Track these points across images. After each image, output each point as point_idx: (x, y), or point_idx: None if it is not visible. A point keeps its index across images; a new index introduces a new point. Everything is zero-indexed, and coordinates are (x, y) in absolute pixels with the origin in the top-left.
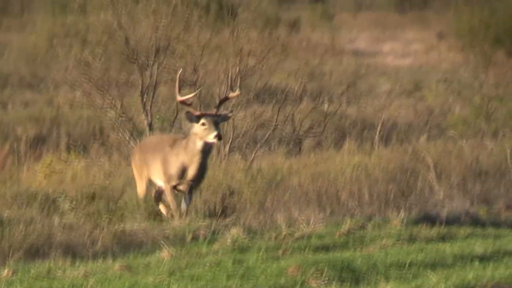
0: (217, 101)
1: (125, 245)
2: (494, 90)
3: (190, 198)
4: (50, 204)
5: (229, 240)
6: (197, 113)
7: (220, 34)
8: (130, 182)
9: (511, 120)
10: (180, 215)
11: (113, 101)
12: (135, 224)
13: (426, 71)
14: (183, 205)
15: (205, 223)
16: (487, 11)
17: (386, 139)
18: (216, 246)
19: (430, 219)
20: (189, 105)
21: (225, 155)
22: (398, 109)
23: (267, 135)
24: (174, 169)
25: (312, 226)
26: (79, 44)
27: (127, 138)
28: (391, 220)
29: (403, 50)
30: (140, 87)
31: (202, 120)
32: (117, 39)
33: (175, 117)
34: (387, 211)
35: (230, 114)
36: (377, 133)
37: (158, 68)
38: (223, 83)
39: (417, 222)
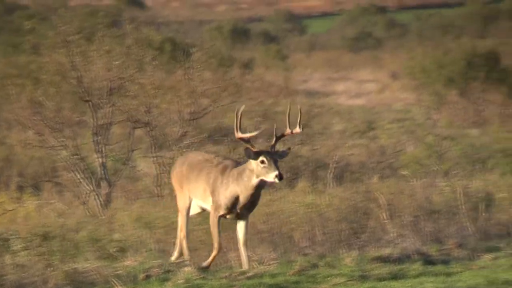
0: (274, 138)
1: (77, 284)
2: (446, 130)
3: (246, 226)
4: (1, 244)
5: (181, 279)
6: (256, 149)
7: (174, 74)
8: (83, 221)
9: (463, 159)
10: (241, 245)
11: (66, 141)
12: (87, 263)
13: (379, 111)
14: (240, 234)
15: (158, 262)
16: (440, 51)
17: (339, 179)
18: (168, 285)
19: (382, 258)
20: (248, 141)
21: None
22: (351, 148)
23: None
24: (223, 199)
25: (264, 265)
26: (31, 84)
27: (79, 178)
28: (343, 259)
29: (357, 90)
30: (93, 127)
31: (262, 158)
32: (70, 79)
33: (129, 157)
34: (339, 250)
35: (288, 151)
36: (330, 172)
37: (111, 108)
38: (176, 123)
39: (369, 261)
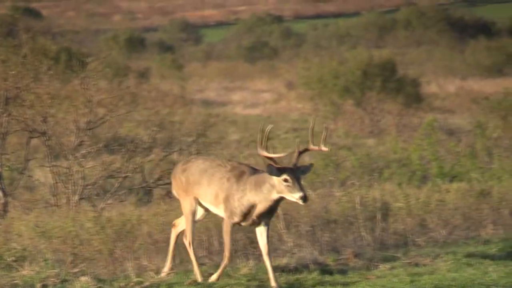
0: (296, 153)
1: None
2: (343, 140)
3: (267, 233)
4: None
5: None
6: (279, 166)
7: (70, 84)
8: None
9: (359, 169)
10: (264, 255)
11: None
12: None
13: (275, 121)
14: (262, 242)
15: (55, 272)
16: (336, 61)
17: None
18: None
19: (279, 268)
20: (271, 158)
21: (74, 204)
22: (249, 158)
23: (117, 185)
24: (239, 206)
25: (161, 275)
26: None
27: None
28: (240, 269)
29: (253, 99)
30: None
31: (285, 176)
32: None
33: (25, 167)
34: (236, 259)
35: (311, 167)
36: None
37: (7, 117)
38: (72, 132)
39: (266, 270)
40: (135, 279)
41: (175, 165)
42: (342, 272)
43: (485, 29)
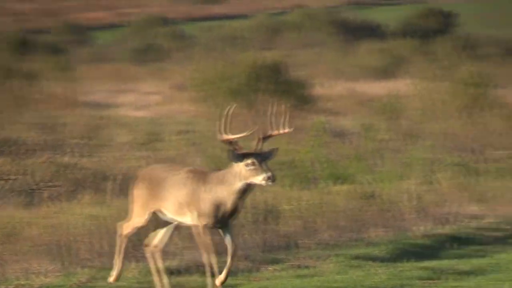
0: (258, 138)
1: None
2: None
3: (232, 234)
4: None
5: None
6: (242, 151)
7: None
8: None
9: None
10: (233, 254)
11: None
12: None
13: (164, 123)
14: (228, 241)
15: None
16: (225, 63)
17: (123, 190)
18: None
19: (167, 270)
20: (231, 143)
21: None
22: (136, 160)
23: (5, 187)
24: (209, 207)
25: (47, 277)
26: None
27: None
28: (128, 271)
29: (142, 101)
30: None
31: (249, 160)
32: None
33: None
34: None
35: (275, 151)
36: (114, 184)
37: None
38: None
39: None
40: (22, 282)
41: (135, 175)
42: (230, 274)
43: (373, 32)
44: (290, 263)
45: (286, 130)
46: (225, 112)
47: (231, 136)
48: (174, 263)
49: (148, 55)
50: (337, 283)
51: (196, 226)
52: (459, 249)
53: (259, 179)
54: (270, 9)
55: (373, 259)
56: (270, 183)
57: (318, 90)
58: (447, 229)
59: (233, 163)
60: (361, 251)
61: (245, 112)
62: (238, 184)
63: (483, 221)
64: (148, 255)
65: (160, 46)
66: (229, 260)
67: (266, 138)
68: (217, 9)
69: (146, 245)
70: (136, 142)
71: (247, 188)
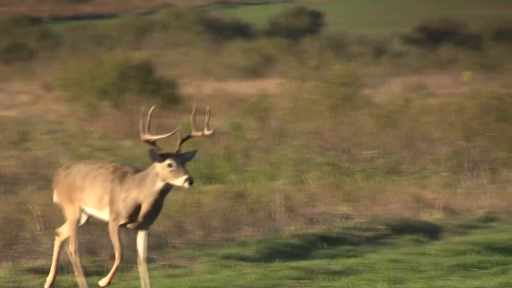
0: (179, 140)
1: None
2: (100, 141)
3: (146, 238)
4: None
5: None
6: (162, 152)
7: None
8: None
9: None
10: (141, 261)
11: None
12: None
13: (34, 122)
14: (140, 246)
15: None
16: (93, 62)
17: None
18: None
19: (35, 269)
20: (153, 143)
21: None
22: (7, 159)
23: None
24: (124, 207)
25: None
26: None
27: None
28: None
29: (9, 101)
30: None
31: (169, 161)
32: None
33: None
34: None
35: (195, 152)
36: None
37: None
38: None
39: (23, 272)
40: None
41: (56, 172)
42: (99, 273)
43: (242, 31)
44: (161, 263)
45: (207, 132)
46: (148, 113)
47: (153, 137)
48: (42, 263)
49: (15, 54)
50: (207, 282)
51: (110, 224)
52: (329, 249)
53: (180, 181)
54: (139, 9)
55: (244, 259)
56: (187, 186)
57: (187, 89)
58: (317, 229)
59: (154, 163)
60: (232, 251)
61: (114, 112)
62: (159, 185)
63: (353, 221)
64: (56, 243)
65: (28, 45)
66: (143, 264)
67: (186, 139)
68: (84, 8)
69: (57, 234)
70: (6, 141)
71: (166, 189)
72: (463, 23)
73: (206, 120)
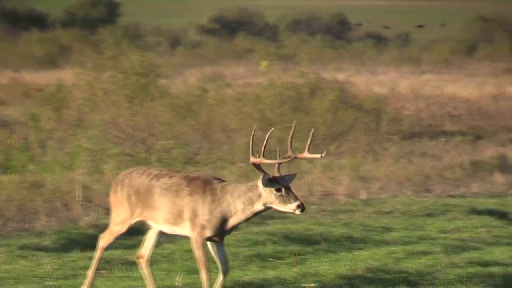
0: (277, 162)
1: None
2: None
3: (223, 249)
4: None
5: None
6: (270, 176)
7: None
8: None
9: None
10: (225, 271)
11: None
12: None
13: None
14: (221, 258)
15: None
16: None
17: None
18: None
19: None
20: (260, 168)
21: None
22: None
23: None
24: (211, 220)
25: None
26: None
27: None
28: None
29: None
30: None
31: (279, 187)
32: None
33: None
34: None
35: (295, 175)
36: None
37: None
38: None
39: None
40: None
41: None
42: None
43: (38, 21)
44: None
45: (317, 156)
46: (266, 137)
47: (266, 161)
48: None
49: None
50: (4, 273)
51: (194, 238)
52: (127, 239)
53: (291, 207)
54: None
55: (41, 249)
56: (298, 212)
57: None
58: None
59: (256, 182)
60: (29, 241)
61: None
62: (258, 207)
63: None
64: (143, 265)
65: None
66: (221, 276)
67: (287, 160)
68: None
69: (138, 257)
70: None
71: (263, 211)
72: (259, 13)
73: (308, 143)
